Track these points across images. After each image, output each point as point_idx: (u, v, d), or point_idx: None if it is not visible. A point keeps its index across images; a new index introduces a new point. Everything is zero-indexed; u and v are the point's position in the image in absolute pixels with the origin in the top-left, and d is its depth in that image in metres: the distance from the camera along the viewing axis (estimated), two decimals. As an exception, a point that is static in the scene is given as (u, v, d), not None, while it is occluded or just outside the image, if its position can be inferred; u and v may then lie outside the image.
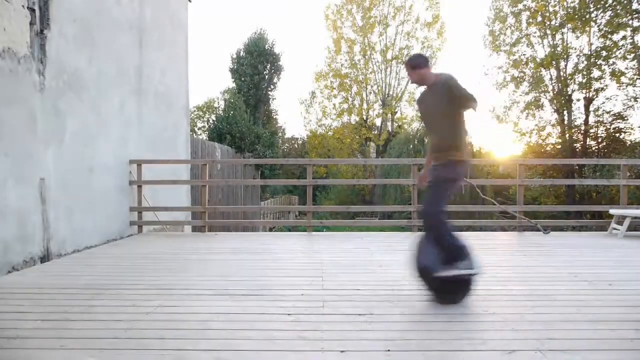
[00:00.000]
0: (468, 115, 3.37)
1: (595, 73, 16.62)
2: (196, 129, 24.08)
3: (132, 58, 6.38)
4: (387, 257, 4.60)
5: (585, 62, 16.72)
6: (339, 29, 24.05)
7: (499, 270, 4.02)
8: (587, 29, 16.48)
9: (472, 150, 17.71)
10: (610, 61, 16.32)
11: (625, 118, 16.74)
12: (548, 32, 17.84)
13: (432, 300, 2.97)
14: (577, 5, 16.54)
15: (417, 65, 3.09)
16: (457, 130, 3.04)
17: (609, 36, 16.10)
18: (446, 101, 2.97)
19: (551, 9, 17.53)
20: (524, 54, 18.68)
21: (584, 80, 16.93)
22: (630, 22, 15.38)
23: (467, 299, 2.94)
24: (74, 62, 4.99)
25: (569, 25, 16.95)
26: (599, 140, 17.40)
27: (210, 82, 57.21)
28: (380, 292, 3.25)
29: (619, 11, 15.43)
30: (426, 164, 3.43)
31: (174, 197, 7.84)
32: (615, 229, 6.18)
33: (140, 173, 6.34)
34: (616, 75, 16.16)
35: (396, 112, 24.52)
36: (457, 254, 2.92)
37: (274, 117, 25.19)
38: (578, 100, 17.50)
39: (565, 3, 17.07)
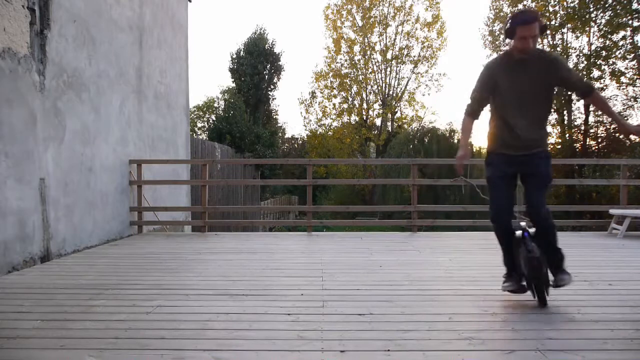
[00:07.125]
0: None
1: (595, 73, 16.64)
2: (196, 129, 24.08)
3: (132, 58, 6.38)
4: (387, 257, 4.60)
5: (585, 62, 16.73)
6: (339, 29, 24.03)
7: (499, 270, 4.02)
8: (587, 29, 16.49)
9: (472, 150, 17.71)
10: (610, 61, 16.34)
11: (625, 118, 16.73)
12: (548, 32, 17.84)
13: None
14: (577, 5, 16.55)
15: None
16: None
17: (609, 36, 16.11)
18: None
19: (551, 9, 17.53)
20: (523, 54, 18.68)
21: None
22: (630, 22, 15.39)
23: None
24: (74, 62, 4.99)
25: (569, 25, 16.96)
26: (599, 140, 17.41)
27: (210, 82, 57.22)
28: (380, 292, 3.25)
29: (618, 11, 15.44)
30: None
31: (174, 197, 7.84)
32: (615, 229, 6.18)
33: (140, 173, 6.34)
34: (616, 75, 16.17)
35: (396, 112, 24.52)
36: None
37: (274, 117, 25.19)
38: (578, 100, 17.50)
39: (565, 3, 17.08)
